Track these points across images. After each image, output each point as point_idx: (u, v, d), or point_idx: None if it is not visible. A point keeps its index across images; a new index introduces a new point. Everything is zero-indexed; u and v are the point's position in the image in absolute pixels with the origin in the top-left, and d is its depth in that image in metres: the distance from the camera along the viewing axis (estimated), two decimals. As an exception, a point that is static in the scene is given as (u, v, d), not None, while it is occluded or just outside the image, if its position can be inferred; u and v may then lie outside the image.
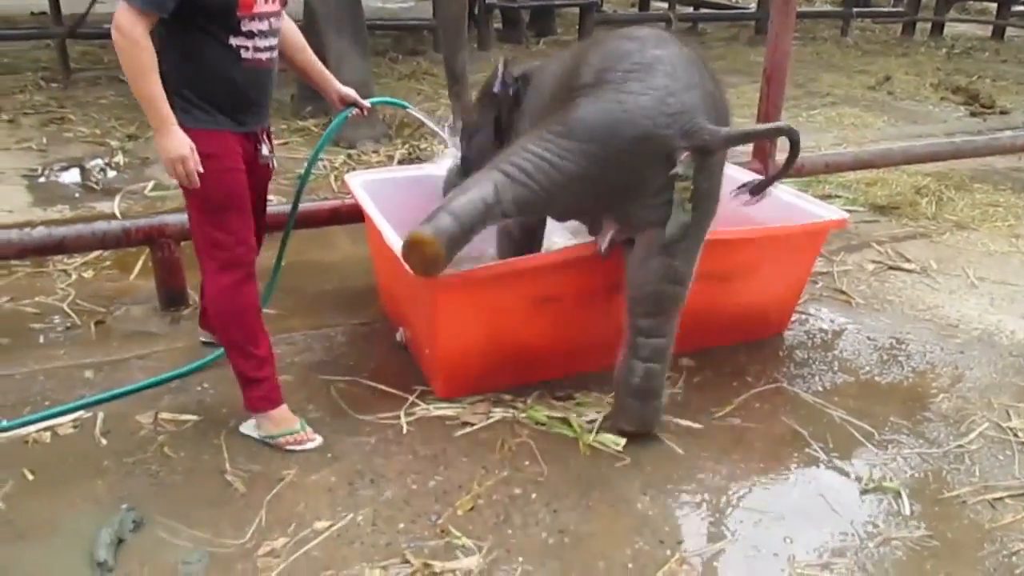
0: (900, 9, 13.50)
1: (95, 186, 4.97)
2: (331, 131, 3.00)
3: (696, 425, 2.82)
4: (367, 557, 2.20)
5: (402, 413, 2.80)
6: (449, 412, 2.81)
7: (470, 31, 10.12)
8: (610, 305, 2.84)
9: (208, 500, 2.40)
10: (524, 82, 3.00)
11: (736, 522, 2.39)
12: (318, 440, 2.67)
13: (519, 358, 2.89)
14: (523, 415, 2.80)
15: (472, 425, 2.75)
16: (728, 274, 3.08)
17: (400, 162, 5.40)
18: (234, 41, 2.39)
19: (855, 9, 12.59)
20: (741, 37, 12.28)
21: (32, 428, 2.67)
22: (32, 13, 10.30)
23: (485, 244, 3.21)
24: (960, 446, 2.77)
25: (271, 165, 2.72)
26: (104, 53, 8.17)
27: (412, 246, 2.46)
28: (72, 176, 5.18)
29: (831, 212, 3.30)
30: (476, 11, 9.85)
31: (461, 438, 2.70)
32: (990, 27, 12.93)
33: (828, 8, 13.82)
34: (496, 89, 3.00)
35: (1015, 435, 2.83)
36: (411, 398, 2.88)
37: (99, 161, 5.32)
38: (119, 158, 5.32)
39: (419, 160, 5.36)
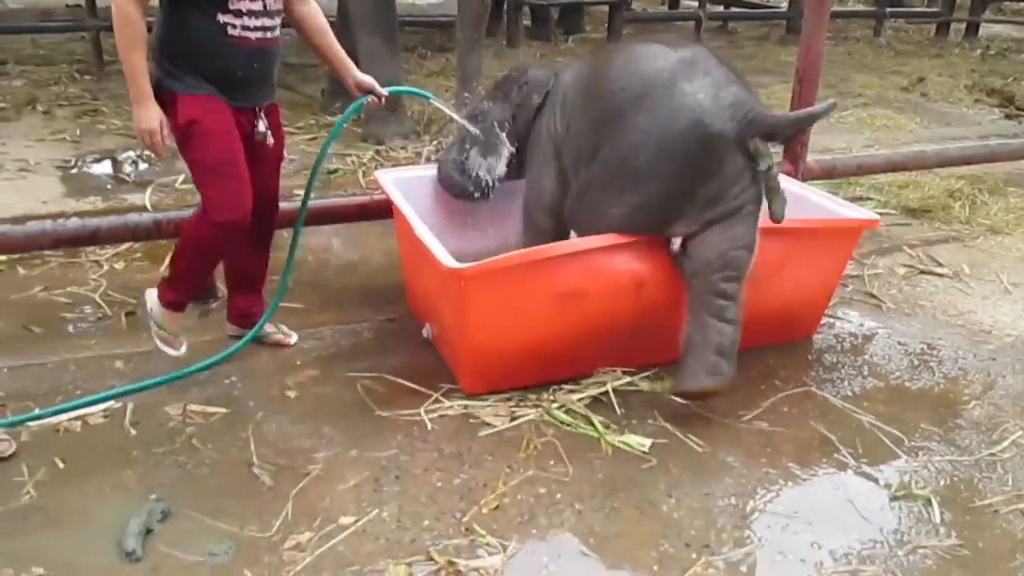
0: (934, 9, 13.32)
1: (127, 178, 5.03)
2: (347, 116, 3.07)
3: (723, 428, 2.80)
4: (392, 553, 2.21)
5: (423, 410, 2.80)
6: (475, 410, 2.81)
7: (500, 28, 10.13)
8: (638, 299, 2.83)
9: (235, 492, 2.42)
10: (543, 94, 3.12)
11: (763, 527, 2.37)
12: (181, 351, 2.95)
13: (547, 353, 2.87)
14: (548, 415, 2.79)
15: (497, 425, 2.74)
16: (756, 272, 3.04)
17: (428, 159, 5.40)
18: (222, 18, 2.57)
19: (888, 9, 12.44)
20: (772, 36, 12.19)
21: (63, 417, 2.70)
22: (67, 5, 10.44)
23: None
24: (992, 454, 2.73)
25: (267, 141, 2.84)
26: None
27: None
28: (104, 168, 5.25)
29: (862, 213, 3.26)
30: (506, 8, 9.85)
31: (486, 436, 2.70)
32: (1026, 28, 12.73)
33: (861, 8, 13.66)
34: (529, 116, 3.12)
35: (1049, 444, 2.79)
36: (436, 395, 2.88)
37: (131, 153, 5.38)
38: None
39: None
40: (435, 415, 2.79)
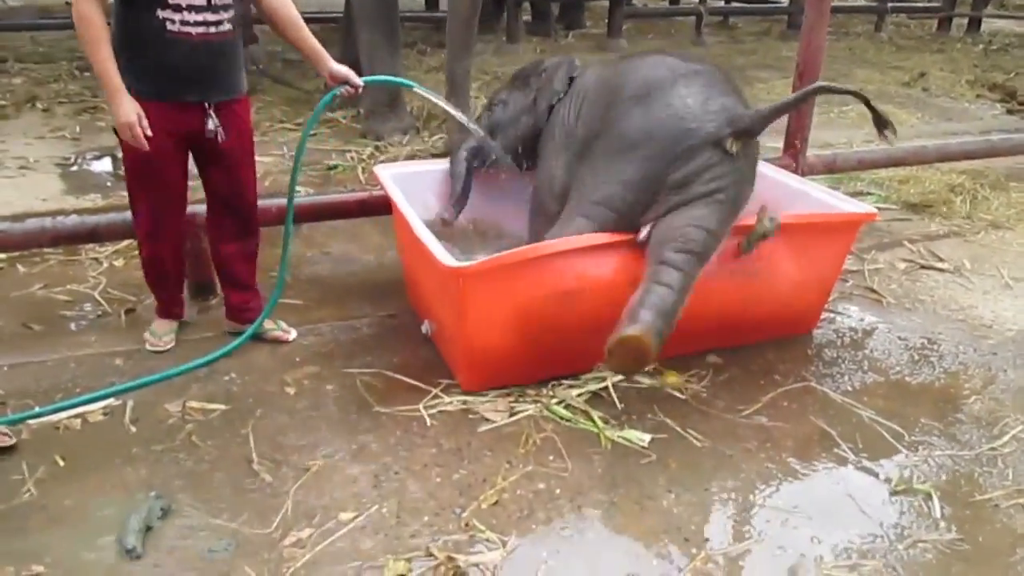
0: (936, 4, 13.30)
1: (126, 175, 5.02)
2: (321, 107, 3.07)
3: (723, 423, 2.80)
4: (391, 549, 2.21)
5: (422, 406, 2.80)
6: (474, 406, 2.81)
7: (500, 24, 10.12)
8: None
9: (235, 489, 2.42)
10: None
11: (763, 521, 2.37)
12: (162, 347, 3.09)
13: (546, 350, 2.87)
14: (547, 410, 2.79)
15: (496, 420, 2.74)
16: (753, 268, 3.04)
17: (430, 155, 5.39)
18: (161, 14, 2.61)
19: (890, 4, 12.42)
20: (772, 31, 12.18)
21: (63, 415, 2.70)
22: (67, 3, 10.39)
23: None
24: (993, 449, 2.73)
25: (218, 139, 2.83)
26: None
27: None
28: (104, 165, 5.25)
29: (859, 207, 3.25)
30: (506, 3, 9.84)
31: (485, 432, 2.70)
32: (1028, 23, 12.71)
33: (862, 3, 13.63)
34: (551, 100, 3.23)
35: (1049, 439, 2.78)
36: (436, 391, 2.88)
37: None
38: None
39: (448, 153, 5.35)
40: (434, 411, 2.79)
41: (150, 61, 2.66)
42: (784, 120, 4.08)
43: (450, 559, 2.16)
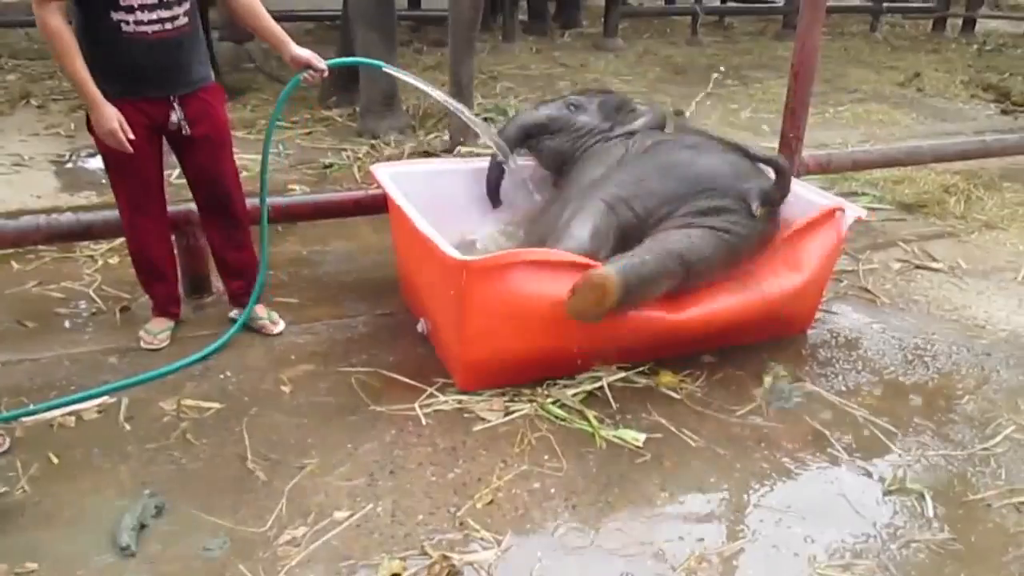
0: (931, 5, 13.33)
1: (121, 173, 5.00)
2: (286, 93, 3.10)
3: (717, 422, 2.81)
4: (386, 548, 2.21)
5: (417, 405, 2.80)
6: (469, 405, 2.81)
7: (497, 22, 10.11)
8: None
9: (229, 487, 2.42)
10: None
11: (756, 521, 2.38)
12: (156, 345, 3.09)
13: (543, 352, 2.87)
14: (542, 410, 2.79)
15: (491, 419, 2.75)
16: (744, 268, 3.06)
17: (424, 153, 5.39)
18: (115, 16, 2.63)
19: (885, 4, 12.44)
20: (768, 31, 12.19)
21: (57, 412, 2.70)
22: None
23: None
24: (985, 448, 2.74)
25: (183, 131, 2.87)
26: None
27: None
28: (99, 162, 5.17)
29: (837, 202, 3.24)
30: (503, 2, 9.83)
31: (481, 431, 2.70)
32: (1023, 24, 12.72)
33: (858, 3, 13.66)
34: (621, 134, 3.47)
35: (1042, 439, 2.79)
36: (431, 390, 2.89)
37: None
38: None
39: (447, 152, 5.35)
40: (429, 410, 2.79)
41: (111, 62, 2.69)
42: (779, 120, 4.09)
43: (445, 558, 2.16)
